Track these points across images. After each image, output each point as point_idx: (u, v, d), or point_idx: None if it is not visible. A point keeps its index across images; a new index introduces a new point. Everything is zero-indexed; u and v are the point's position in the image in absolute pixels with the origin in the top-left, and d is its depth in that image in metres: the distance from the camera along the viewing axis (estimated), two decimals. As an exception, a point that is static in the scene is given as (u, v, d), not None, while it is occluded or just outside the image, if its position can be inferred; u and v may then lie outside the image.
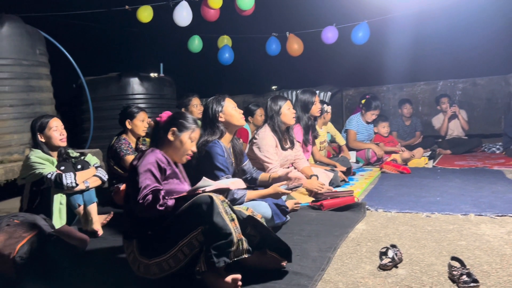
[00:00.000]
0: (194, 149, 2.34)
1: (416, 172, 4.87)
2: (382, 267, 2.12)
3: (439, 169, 5.07)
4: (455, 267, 1.97)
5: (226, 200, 2.03)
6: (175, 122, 2.29)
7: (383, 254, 2.21)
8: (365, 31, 6.16)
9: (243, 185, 2.28)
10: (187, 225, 1.96)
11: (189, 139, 2.29)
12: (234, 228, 1.93)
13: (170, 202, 2.01)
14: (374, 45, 6.56)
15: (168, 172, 2.18)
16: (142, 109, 3.93)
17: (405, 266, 2.15)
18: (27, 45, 3.95)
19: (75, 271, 2.28)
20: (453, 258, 2.06)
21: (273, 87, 9.25)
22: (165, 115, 2.36)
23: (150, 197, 1.98)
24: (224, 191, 2.22)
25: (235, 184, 2.24)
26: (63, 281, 2.17)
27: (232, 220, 1.96)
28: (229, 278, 1.89)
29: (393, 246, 2.25)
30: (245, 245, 1.95)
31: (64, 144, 3.07)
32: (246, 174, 3.24)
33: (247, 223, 2.13)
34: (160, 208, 1.97)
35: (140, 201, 1.97)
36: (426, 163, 5.50)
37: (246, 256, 1.95)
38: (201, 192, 2.03)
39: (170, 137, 2.27)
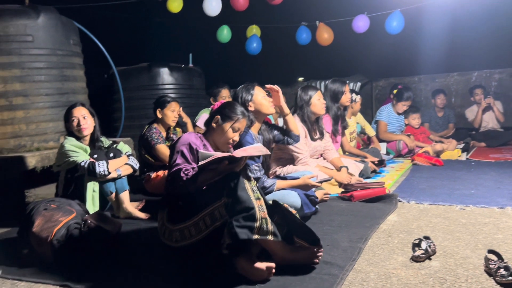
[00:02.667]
0: (236, 138, 2.39)
1: (449, 165, 4.75)
2: (415, 259, 2.08)
3: (473, 161, 4.92)
4: (492, 260, 1.91)
5: (254, 180, 2.06)
6: (220, 111, 2.40)
7: (416, 245, 2.17)
8: (399, 20, 5.99)
9: (265, 150, 2.23)
10: (211, 196, 2.04)
11: (230, 129, 2.36)
12: (259, 206, 1.95)
13: (192, 176, 2.11)
14: (406, 34, 6.38)
15: None
16: (174, 99, 3.96)
17: (438, 258, 2.10)
18: (62, 35, 4.04)
19: (109, 254, 2.34)
20: (490, 251, 2.00)
21: (300, 79, 9.15)
22: (219, 103, 2.45)
23: (177, 174, 2.12)
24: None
25: (257, 149, 2.21)
26: (97, 263, 2.23)
27: (258, 198, 1.98)
28: (263, 265, 1.90)
29: (427, 238, 2.21)
30: (270, 226, 1.93)
31: (82, 134, 3.07)
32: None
33: (275, 211, 2.13)
34: (184, 183, 2.09)
35: (169, 178, 2.18)
36: (459, 156, 5.35)
37: (272, 239, 1.92)
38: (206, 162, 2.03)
39: (214, 124, 2.38)
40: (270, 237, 1.92)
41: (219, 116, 2.37)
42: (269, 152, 2.31)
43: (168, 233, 2.14)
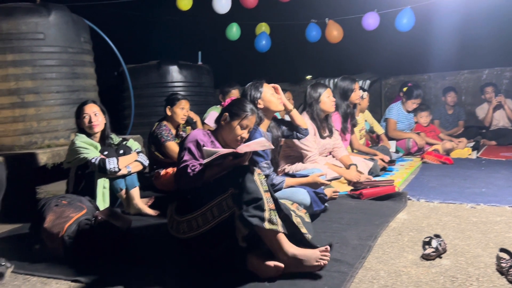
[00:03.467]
0: (245, 135, 2.39)
1: (459, 163, 4.71)
2: (425, 257, 2.07)
3: (484, 160, 4.88)
4: (504, 259, 1.89)
5: (262, 174, 2.06)
6: (229, 108, 2.41)
7: (427, 243, 2.16)
8: (410, 17, 5.94)
9: (269, 144, 2.21)
10: (219, 188, 2.04)
11: (238, 126, 2.36)
12: (267, 198, 1.95)
13: (199, 172, 2.12)
14: (416, 32, 6.32)
15: None
16: (184, 97, 3.97)
17: (449, 256, 2.09)
18: (73, 33, 4.06)
19: (119, 250, 2.36)
20: (502, 250, 1.98)
21: (308, 77, 9.10)
22: (229, 100, 2.49)
23: (184, 170, 2.14)
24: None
25: (260, 143, 2.22)
26: (107, 259, 2.25)
27: (266, 191, 1.98)
28: (271, 263, 1.90)
29: (437, 236, 2.19)
30: (279, 220, 1.93)
31: (93, 130, 3.10)
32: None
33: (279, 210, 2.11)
34: (191, 179, 2.11)
35: (177, 174, 2.22)
36: (470, 154, 5.31)
37: (282, 231, 1.92)
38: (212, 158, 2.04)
39: (222, 121, 2.39)
40: (281, 229, 1.92)
41: (227, 114, 2.38)
42: (272, 147, 2.29)
43: (176, 225, 2.15)
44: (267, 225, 1.87)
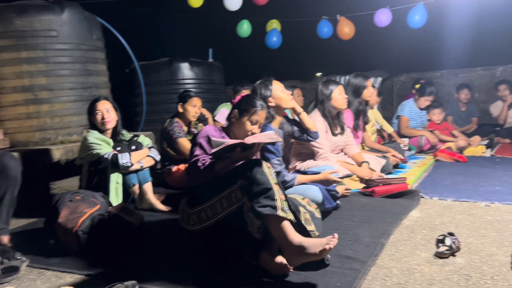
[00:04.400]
0: (256, 131, 2.39)
1: (472, 161, 4.66)
2: (439, 255, 2.05)
3: (498, 158, 4.82)
4: (520, 258, 1.87)
5: (272, 168, 2.06)
6: (239, 105, 2.43)
7: (440, 241, 2.14)
8: (422, 14, 5.87)
9: (276, 137, 2.20)
10: (229, 180, 2.05)
11: (248, 121, 2.38)
12: (277, 190, 1.95)
13: (209, 165, 2.15)
14: (429, 28, 6.25)
15: None
16: (196, 95, 3.98)
17: (463, 255, 2.07)
18: (85, 30, 4.09)
19: (132, 245, 2.38)
20: (517, 249, 1.96)
21: (318, 74, 9.07)
22: (239, 97, 2.53)
23: (195, 164, 2.17)
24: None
25: (268, 136, 2.22)
26: (120, 254, 2.27)
27: (276, 183, 1.98)
28: (279, 259, 1.90)
29: (451, 234, 2.17)
30: (290, 212, 1.93)
31: (106, 127, 3.12)
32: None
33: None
34: (202, 172, 2.14)
35: (188, 169, 2.24)
36: (483, 152, 5.24)
37: (294, 221, 1.92)
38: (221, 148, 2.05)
39: (232, 118, 2.42)
40: (293, 219, 1.92)
41: (236, 110, 2.41)
42: (280, 139, 2.30)
43: (187, 217, 2.18)
44: (280, 213, 1.86)
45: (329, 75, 7.80)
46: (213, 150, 2.08)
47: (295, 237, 1.87)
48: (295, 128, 3.20)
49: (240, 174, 2.02)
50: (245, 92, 4.86)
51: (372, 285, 1.81)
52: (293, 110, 3.15)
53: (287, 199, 1.99)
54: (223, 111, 4.65)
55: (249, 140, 2.10)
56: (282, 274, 1.89)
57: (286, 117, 3.21)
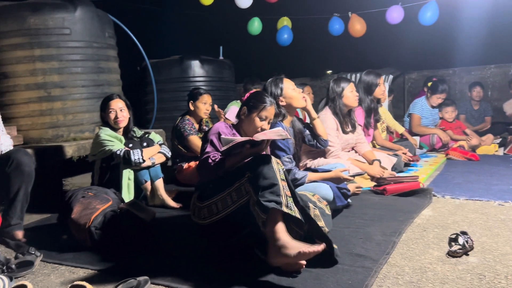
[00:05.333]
0: (265, 127, 2.41)
1: (485, 160, 4.61)
2: (452, 254, 2.03)
3: (511, 156, 4.76)
4: (534, 257, 1.85)
5: (280, 164, 2.07)
6: (247, 102, 2.45)
7: (453, 240, 2.11)
8: (434, 11, 5.81)
9: (285, 134, 2.15)
10: (238, 173, 2.07)
11: (257, 118, 2.40)
12: (283, 186, 1.95)
13: (219, 161, 2.17)
14: (441, 25, 6.19)
15: None
16: (207, 92, 3.99)
17: (476, 254, 2.05)
18: (98, 28, 4.13)
19: (143, 241, 2.40)
20: (532, 248, 1.93)
21: (328, 71, 9.03)
22: (248, 94, 2.55)
23: (206, 161, 2.20)
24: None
25: (277, 132, 2.21)
26: (132, 250, 2.29)
27: (283, 179, 1.98)
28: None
29: (464, 233, 2.15)
30: (296, 207, 1.92)
31: (119, 125, 3.15)
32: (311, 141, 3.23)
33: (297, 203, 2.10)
34: (212, 168, 2.17)
35: (199, 165, 2.27)
36: (496, 151, 5.18)
37: (300, 218, 1.90)
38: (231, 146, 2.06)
39: (242, 115, 2.45)
40: (298, 216, 1.90)
41: (246, 107, 2.44)
42: (290, 137, 2.29)
43: (198, 211, 2.20)
44: (284, 208, 1.86)
45: (340, 72, 7.76)
46: (223, 148, 2.10)
47: (283, 237, 1.84)
48: (307, 132, 3.19)
49: (249, 168, 2.03)
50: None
51: (384, 283, 1.80)
52: (308, 113, 3.14)
53: (293, 195, 1.99)
54: (233, 109, 4.65)
55: (257, 137, 2.11)
56: (294, 271, 1.89)
57: (300, 119, 3.21)
